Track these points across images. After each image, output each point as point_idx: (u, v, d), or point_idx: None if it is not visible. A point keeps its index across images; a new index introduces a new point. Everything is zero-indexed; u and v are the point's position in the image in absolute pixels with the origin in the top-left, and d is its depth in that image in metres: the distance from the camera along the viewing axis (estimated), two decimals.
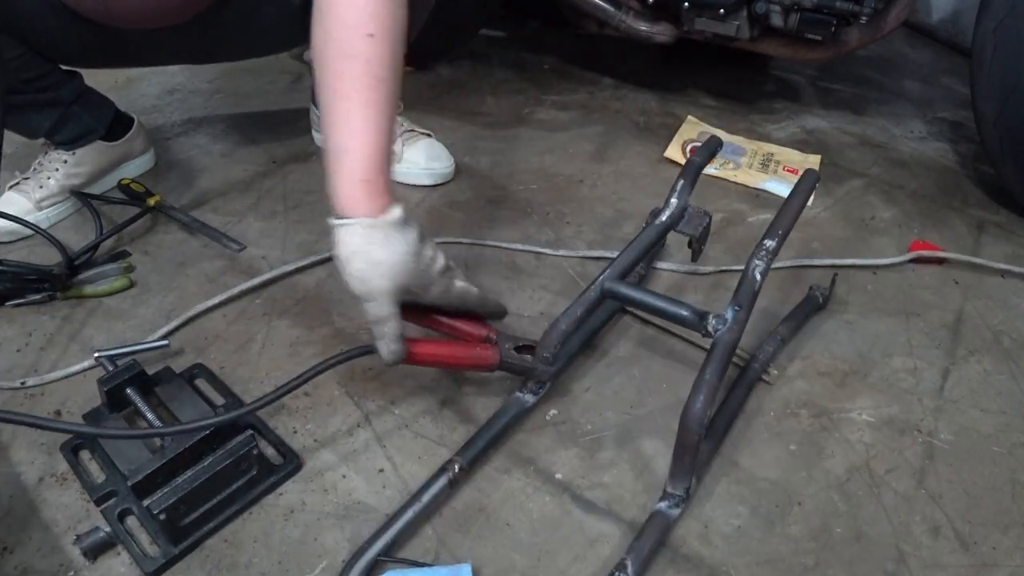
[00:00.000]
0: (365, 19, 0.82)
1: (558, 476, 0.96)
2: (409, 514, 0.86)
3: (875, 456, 1.00)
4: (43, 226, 1.31)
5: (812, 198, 1.50)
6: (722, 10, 1.59)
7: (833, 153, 1.69)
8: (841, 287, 1.27)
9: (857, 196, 1.54)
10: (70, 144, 1.37)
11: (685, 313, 0.92)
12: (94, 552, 0.85)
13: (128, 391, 0.98)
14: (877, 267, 1.32)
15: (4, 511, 0.91)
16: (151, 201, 1.37)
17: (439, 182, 1.51)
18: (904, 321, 1.22)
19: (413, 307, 0.91)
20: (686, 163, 1.08)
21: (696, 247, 1.08)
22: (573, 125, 1.74)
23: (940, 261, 1.35)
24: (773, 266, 1.24)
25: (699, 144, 1.62)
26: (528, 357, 0.98)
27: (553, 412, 1.04)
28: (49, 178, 1.37)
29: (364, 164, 0.83)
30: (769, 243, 0.95)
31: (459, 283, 0.93)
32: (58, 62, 1.30)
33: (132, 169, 1.50)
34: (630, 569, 0.81)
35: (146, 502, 0.84)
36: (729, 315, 0.89)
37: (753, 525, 0.91)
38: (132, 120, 1.48)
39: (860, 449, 1.01)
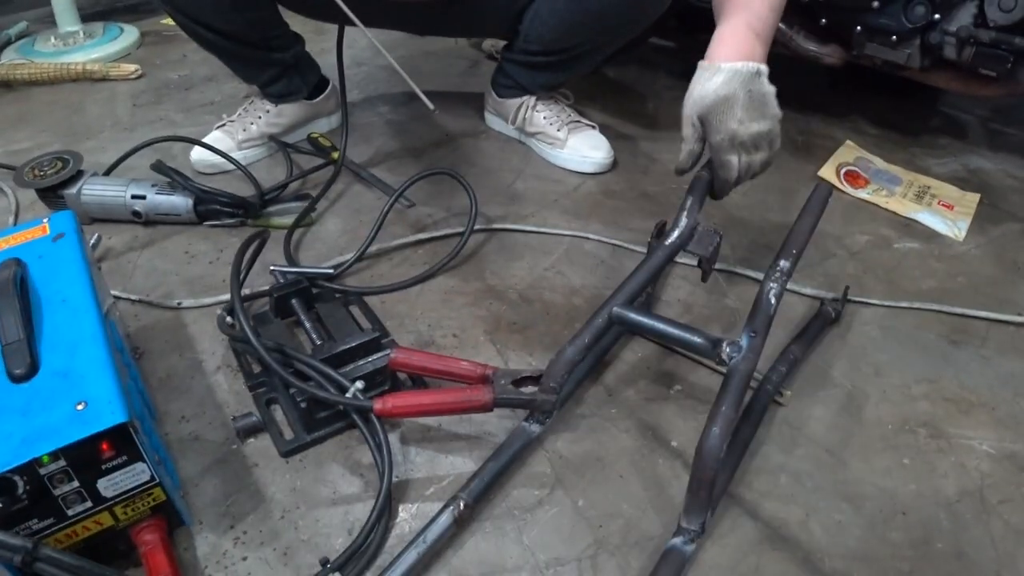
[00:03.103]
0: None
1: (673, 444, 1.02)
2: (413, 555, 0.82)
3: (990, 485, 1.01)
4: (244, 164, 1.49)
5: (964, 234, 1.49)
6: (895, 37, 1.59)
7: (994, 194, 1.66)
8: (981, 324, 1.27)
9: (1013, 239, 1.52)
10: (277, 98, 1.55)
11: (698, 340, 0.89)
12: (246, 432, 0.99)
13: (293, 302, 1.12)
14: (1015, 324, 1.28)
15: (186, 388, 1.06)
16: (334, 155, 1.52)
17: (598, 171, 1.59)
18: None
19: (405, 356, 0.97)
20: (694, 179, 1.05)
21: (706, 267, 1.05)
22: None
23: None
24: (908, 305, 1.25)
25: (855, 168, 1.64)
26: (531, 389, 0.94)
27: (677, 387, 1.10)
28: (252, 124, 1.55)
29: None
30: (784, 263, 0.93)
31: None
32: (302, 13, 1.48)
33: (321, 125, 1.68)
34: None
35: (292, 390, 0.96)
36: (744, 342, 0.86)
37: (855, 523, 0.94)
38: (328, 83, 1.65)
39: (975, 476, 1.02)
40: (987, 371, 1.18)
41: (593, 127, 1.62)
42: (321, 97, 1.64)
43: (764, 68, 1.02)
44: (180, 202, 1.32)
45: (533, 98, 1.61)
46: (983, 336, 1.25)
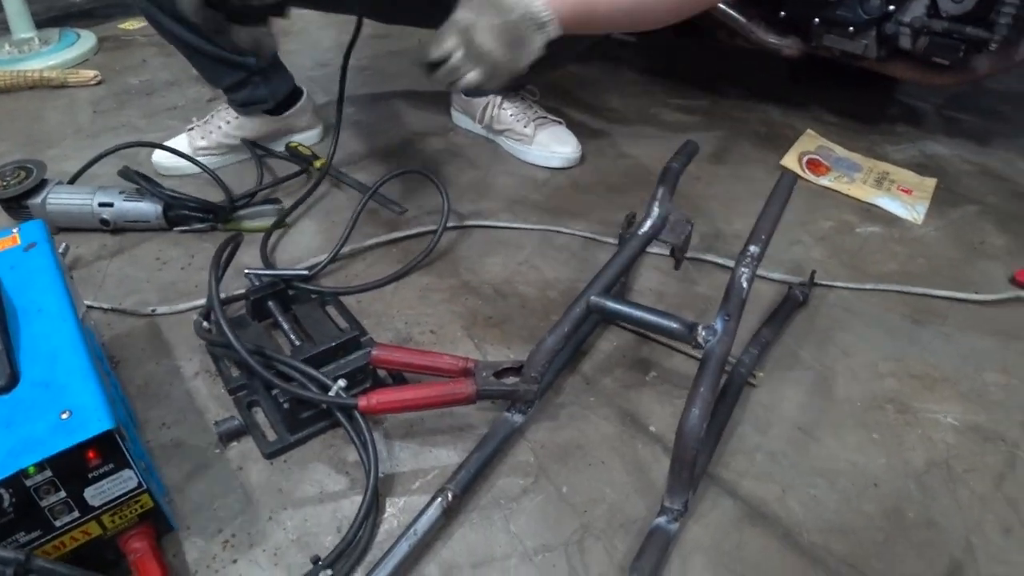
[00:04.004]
0: None
1: (652, 429, 1.04)
2: (404, 548, 0.83)
3: (956, 456, 1.05)
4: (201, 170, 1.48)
5: (923, 217, 1.53)
6: (852, 28, 1.63)
7: (951, 179, 1.71)
8: (942, 302, 1.31)
9: (970, 221, 1.56)
10: (241, 106, 1.53)
11: (674, 325, 0.91)
12: (228, 436, 0.99)
13: (270, 303, 1.12)
14: (975, 302, 1.32)
15: (165, 395, 1.05)
16: (317, 163, 1.52)
17: (566, 165, 1.62)
18: (1003, 341, 1.25)
19: (386, 353, 0.99)
20: (664, 169, 1.06)
21: (679, 255, 1.07)
22: (695, 128, 1.82)
23: None
24: (872, 287, 1.29)
25: (817, 157, 1.68)
26: (512, 380, 0.96)
27: (653, 374, 1.13)
28: (212, 132, 1.54)
29: None
30: (753, 249, 0.95)
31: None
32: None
33: (300, 139, 1.66)
34: None
35: (274, 391, 0.97)
36: (719, 325, 0.88)
37: (829, 497, 0.97)
38: (301, 94, 1.62)
39: (942, 448, 1.06)
40: (949, 348, 1.22)
41: (560, 122, 1.65)
42: (291, 112, 1.61)
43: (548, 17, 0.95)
44: (149, 208, 1.32)
45: (499, 96, 1.63)
46: (944, 315, 1.29)
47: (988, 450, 1.06)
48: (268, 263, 1.27)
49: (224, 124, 1.54)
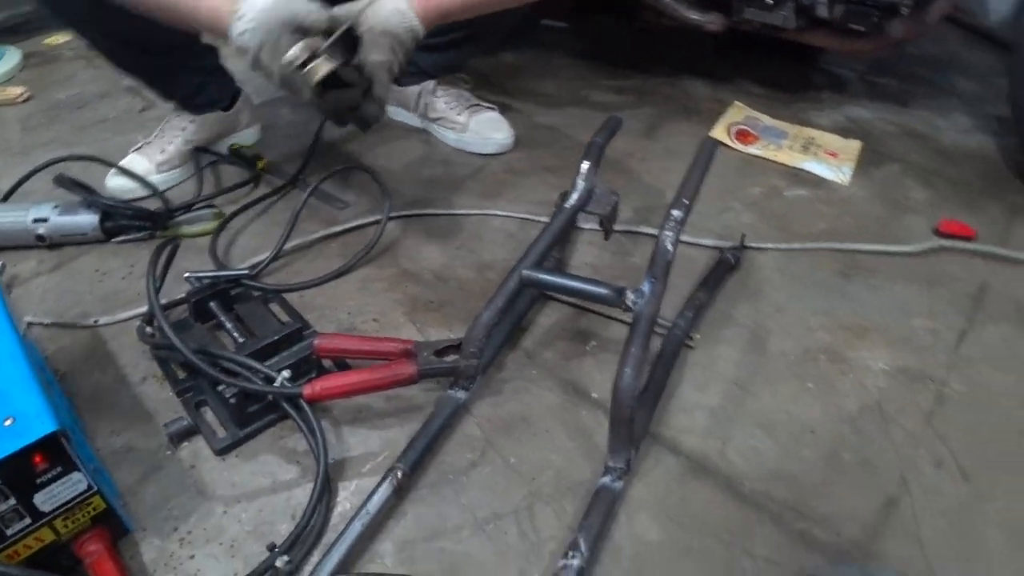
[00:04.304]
0: None
1: (594, 395, 1.07)
2: (357, 528, 0.85)
3: (887, 399, 1.09)
4: (161, 188, 1.46)
5: (849, 178, 1.59)
6: (770, 0, 1.68)
7: (875, 140, 1.77)
8: (869, 257, 1.36)
9: (894, 179, 1.62)
10: (198, 108, 1.52)
11: (604, 291, 0.94)
12: (178, 437, 0.99)
13: (212, 304, 1.13)
14: (900, 254, 1.38)
15: (113, 403, 1.06)
16: (260, 165, 1.53)
17: (500, 151, 1.64)
18: (928, 289, 1.30)
19: (328, 341, 1.02)
20: (588, 144, 1.10)
21: (607, 226, 1.11)
22: (627, 106, 1.86)
23: (969, 240, 1.42)
24: (801, 246, 1.34)
25: (745, 127, 1.73)
26: (453, 357, 0.99)
27: (593, 343, 1.16)
28: (170, 144, 1.52)
29: None
30: (676, 213, 0.99)
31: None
32: None
33: (240, 139, 1.65)
34: (583, 547, 0.82)
35: (219, 388, 0.98)
36: (646, 288, 0.91)
37: (769, 447, 1.01)
38: (240, 93, 1.62)
39: (873, 392, 1.10)
40: (878, 299, 1.27)
41: (493, 108, 1.67)
42: (235, 108, 1.61)
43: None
44: (85, 220, 1.31)
45: (432, 83, 1.65)
46: (872, 268, 1.34)
47: (917, 390, 1.11)
48: (220, 265, 1.27)
49: (180, 131, 1.53)
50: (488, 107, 1.67)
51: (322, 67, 1.02)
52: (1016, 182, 1.64)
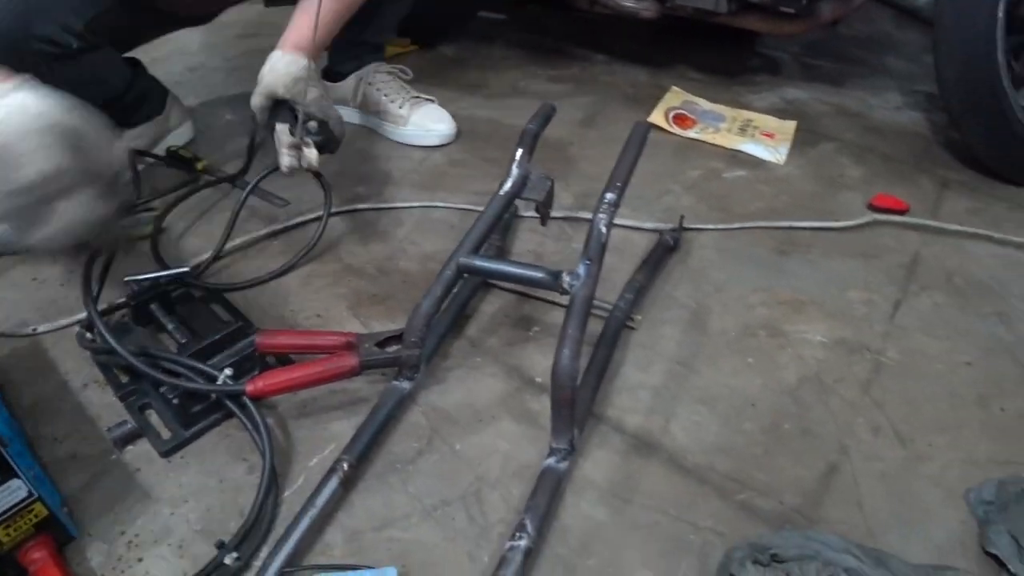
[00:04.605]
0: None
1: (538, 380, 1.08)
2: (306, 520, 0.85)
3: (825, 370, 1.12)
4: None
5: (785, 158, 1.62)
6: None
7: (810, 120, 1.81)
8: (806, 233, 1.39)
9: (829, 157, 1.66)
10: (135, 125, 1.51)
11: (540, 275, 0.95)
12: (123, 441, 0.98)
13: (152, 307, 1.12)
14: (836, 229, 1.42)
15: (56, 410, 1.04)
16: (199, 166, 1.50)
17: (443, 142, 1.65)
18: (863, 262, 1.34)
19: (269, 337, 1.02)
20: (522, 132, 1.12)
21: (543, 211, 1.12)
22: (566, 95, 1.87)
23: (901, 213, 1.46)
24: (740, 226, 1.37)
25: (682, 111, 1.75)
26: (395, 347, 0.99)
27: (535, 329, 1.17)
28: None
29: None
30: (609, 196, 1.00)
31: (323, 101, 1.22)
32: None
33: (181, 134, 1.63)
34: (530, 528, 0.83)
35: (162, 389, 0.97)
36: (582, 270, 0.93)
37: (711, 421, 1.03)
38: (167, 92, 1.60)
39: (812, 363, 1.13)
40: (815, 273, 1.30)
41: (432, 100, 1.67)
42: (165, 111, 1.58)
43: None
44: None
45: (368, 69, 1.65)
46: (808, 244, 1.37)
47: (855, 360, 1.14)
48: (163, 265, 1.25)
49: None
50: (428, 99, 1.67)
51: (311, 154, 1.21)
52: (945, 156, 1.69)
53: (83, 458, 0.98)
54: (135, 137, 1.53)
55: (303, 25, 1.21)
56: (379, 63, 1.68)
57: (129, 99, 1.49)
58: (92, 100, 1.30)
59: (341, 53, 1.66)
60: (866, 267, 1.33)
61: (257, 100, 1.22)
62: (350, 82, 1.67)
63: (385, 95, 1.64)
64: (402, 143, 1.66)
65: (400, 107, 1.63)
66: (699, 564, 0.86)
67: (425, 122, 1.63)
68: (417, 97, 1.66)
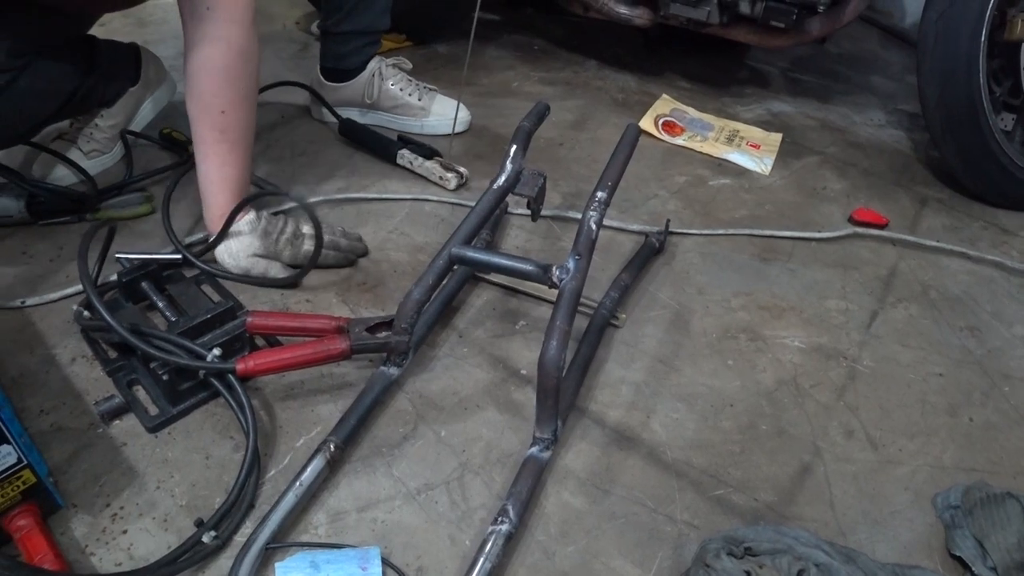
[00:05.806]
0: (219, 100, 1.12)
1: (523, 372, 1.10)
2: (291, 498, 0.87)
3: (802, 374, 1.15)
4: (92, 173, 1.42)
5: (770, 168, 1.66)
6: None
7: (795, 133, 1.85)
8: (788, 242, 1.42)
9: (812, 170, 1.70)
10: (111, 103, 1.49)
11: (530, 268, 0.97)
12: (110, 415, 0.99)
13: (143, 285, 1.13)
14: (817, 240, 1.45)
15: (42, 383, 1.05)
16: (191, 148, 1.50)
17: (464, 129, 1.68)
18: (842, 272, 1.37)
19: (260, 319, 1.03)
20: (516, 128, 1.14)
21: (534, 207, 1.14)
22: (557, 98, 1.89)
23: (881, 228, 1.49)
24: (723, 232, 1.40)
25: (671, 119, 1.78)
26: (384, 333, 1.01)
27: (522, 323, 1.19)
28: (92, 134, 1.48)
29: (222, 202, 1.18)
30: (600, 195, 1.03)
31: (306, 246, 1.22)
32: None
33: (160, 97, 1.61)
34: (511, 513, 0.85)
35: (152, 365, 0.98)
36: (571, 264, 0.95)
37: (690, 418, 1.06)
38: (139, 53, 1.55)
39: (789, 367, 1.16)
40: (794, 281, 1.34)
41: (436, 89, 1.68)
42: (142, 77, 1.54)
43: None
44: (10, 203, 1.29)
45: (376, 63, 1.63)
46: (789, 252, 1.40)
47: (831, 366, 1.17)
48: (176, 241, 1.25)
49: (100, 120, 1.49)
50: (433, 88, 1.68)
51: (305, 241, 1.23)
52: (925, 174, 1.74)
53: (68, 431, 0.98)
54: (115, 115, 1.51)
55: (216, 200, 1.19)
56: (382, 56, 1.66)
57: (91, 85, 1.41)
58: (47, 109, 1.32)
59: (340, 49, 1.62)
60: (845, 277, 1.36)
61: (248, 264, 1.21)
62: (362, 79, 1.64)
63: (401, 89, 1.64)
64: (423, 135, 1.65)
65: (419, 99, 1.63)
66: (674, 555, 0.89)
67: (446, 111, 1.63)
68: (426, 87, 1.66)
